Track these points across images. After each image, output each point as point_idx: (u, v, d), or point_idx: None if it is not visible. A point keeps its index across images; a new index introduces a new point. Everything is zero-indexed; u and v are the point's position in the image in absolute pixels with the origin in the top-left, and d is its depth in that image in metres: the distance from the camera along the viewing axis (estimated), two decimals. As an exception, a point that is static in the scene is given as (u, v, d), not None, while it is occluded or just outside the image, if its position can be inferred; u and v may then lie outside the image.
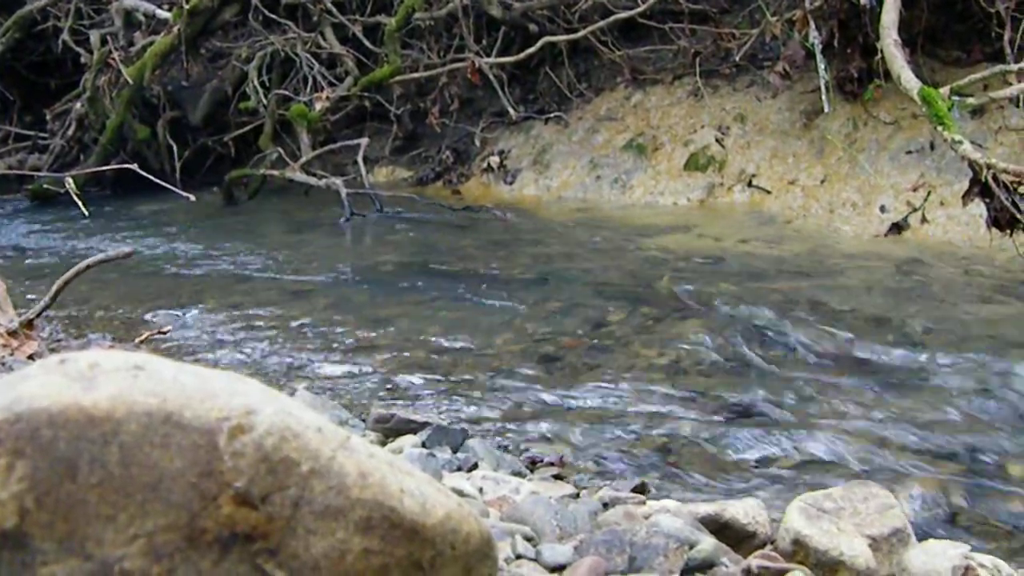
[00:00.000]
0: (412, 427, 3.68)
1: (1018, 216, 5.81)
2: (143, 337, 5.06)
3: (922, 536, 2.69)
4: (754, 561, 2.36)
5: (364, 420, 3.87)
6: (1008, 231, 5.92)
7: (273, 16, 10.51)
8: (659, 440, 3.90)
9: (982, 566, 2.40)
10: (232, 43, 11.14)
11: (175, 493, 1.34)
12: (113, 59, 10.14)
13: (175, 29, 10.12)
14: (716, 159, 8.78)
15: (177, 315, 5.77)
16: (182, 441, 1.35)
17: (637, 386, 4.47)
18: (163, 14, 10.38)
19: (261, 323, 5.59)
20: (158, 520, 1.33)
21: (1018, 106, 7.40)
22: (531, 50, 9.72)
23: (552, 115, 10.02)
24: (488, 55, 9.97)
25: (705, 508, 2.68)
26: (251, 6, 10.45)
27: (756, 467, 3.69)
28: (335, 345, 5.18)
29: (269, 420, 1.38)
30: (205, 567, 1.34)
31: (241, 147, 10.74)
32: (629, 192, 8.94)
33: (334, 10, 10.45)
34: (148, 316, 5.76)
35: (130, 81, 10.01)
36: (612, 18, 9.57)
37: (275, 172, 9.43)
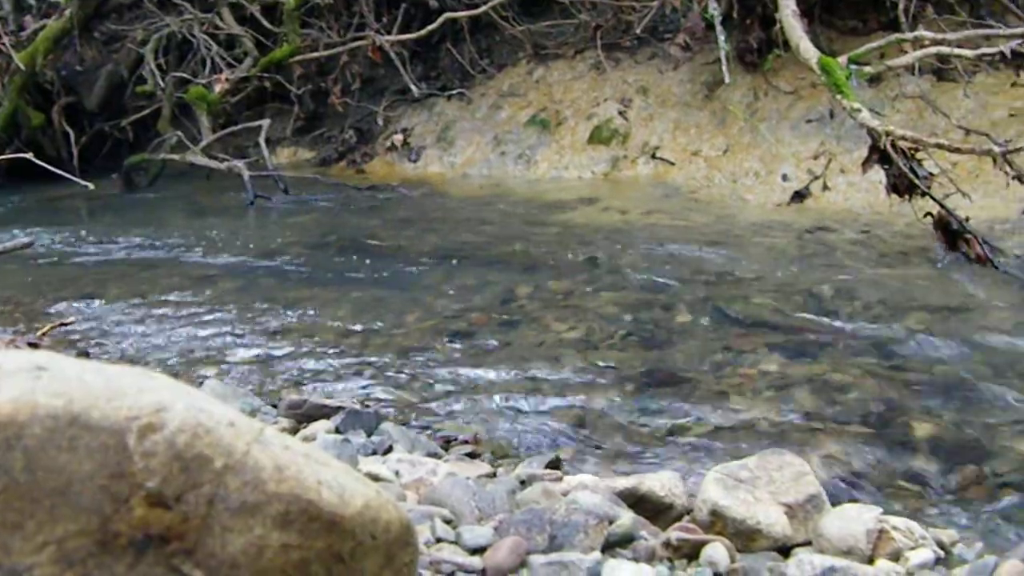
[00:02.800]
0: (325, 412, 3.64)
1: (916, 182, 5.91)
2: (45, 329, 4.94)
3: (836, 501, 2.73)
4: (673, 533, 2.37)
5: (276, 407, 3.82)
6: (906, 196, 6.02)
7: (168, -3, 10.33)
8: (573, 413, 3.90)
9: (895, 528, 2.44)
10: (127, 25, 10.92)
11: (85, 497, 1.29)
12: (3, 44, 9.87)
13: (67, 12, 9.88)
14: (619, 132, 8.80)
15: (80, 306, 5.64)
16: (90, 443, 1.30)
17: (549, 360, 4.47)
18: (54, -3, 10.14)
19: (167, 311, 5.49)
20: (68, 526, 1.28)
21: (914, 74, 7.52)
22: (432, 27, 9.65)
23: (455, 92, 9.98)
24: (389, 33, 9.89)
25: (622, 482, 2.69)
26: (145, -13, 10.26)
27: (671, 437, 3.71)
28: (243, 331, 5.10)
29: (180, 417, 1.34)
30: (119, 572, 1.30)
31: (140, 132, 10.54)
32: (534, 167, 8.94)
33: (231, -11, 10.29)
34: (50, 308, 5.63)
35: (22, 67, 9.76)
36: (512, -7, 9.55)
37: (175, 156, 9.28)
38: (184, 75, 10.06)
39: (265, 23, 10.16)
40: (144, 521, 1.32)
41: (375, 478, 2.66)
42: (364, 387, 4.25)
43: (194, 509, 1.35)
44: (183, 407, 1.37)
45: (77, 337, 5.06)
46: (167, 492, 1.33)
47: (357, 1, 10.06)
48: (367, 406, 3.82)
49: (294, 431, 3.49)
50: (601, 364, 4.41)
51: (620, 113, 8.92)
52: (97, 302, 5.70)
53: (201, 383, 4.11)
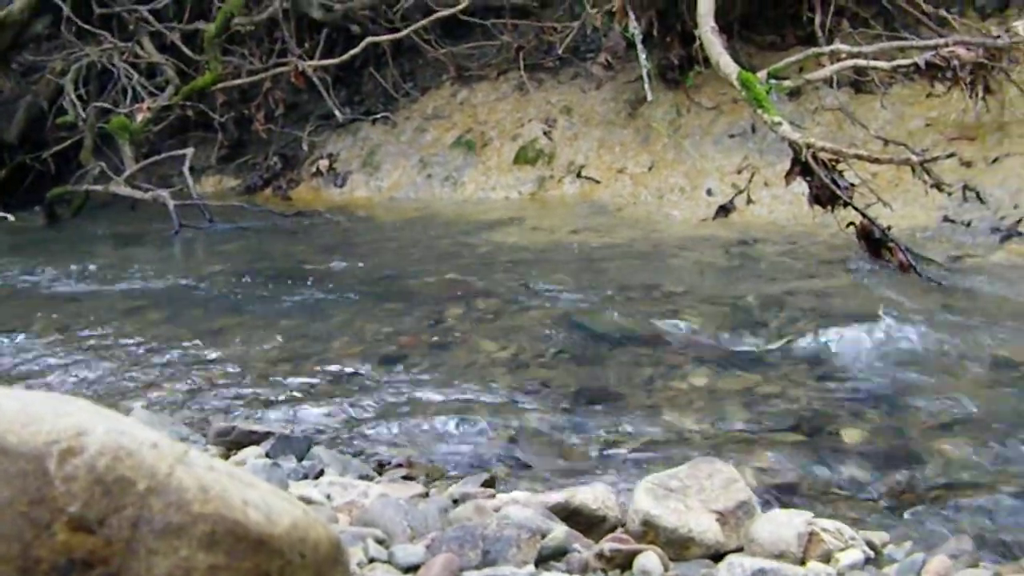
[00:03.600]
0: (254, 438, 3.61)
1: (838, 192, 5.99)
2: (-33, 365, 4.85)
3: (767, 507, 2.75)
4: (606, 545, 2.37)
5: (205, 435, 3.78)
6: (828, 207, 6.10)
7: (87, 27, 10.21)
8: (506, 433, 3.89)
9: (825, 531, 2.46)
10: (45, 56, 10.80)
11: (4, 523, 1.27)
12: (-82, 79, 9.74)
13: (-18, 45, 9.76)
14: (545, 152, 8.84)
15: (2, 340, 5.55)
16: (9, 468, 1.28)
17: (480, 381, 4.46)
18: (-31, 30, 10.00)
19: (93, 343, 5.42)
20: (-12, 553, 1.26)
21: (832, 86, 7.63)
22: (354, 51, 9.65)
23: (379, 116, 9.98)
24: (311, 58, 9.86)
25: (555, 496, 2.69)
26: (63, 17, 10.13)
27: (603, 452, 3.72)
28: (171, 362, 5.04)
29: (101, 440, 1.33)
30: (42, 598, 1.28)
31: (61, 163, 10.40)
32: (461, 189, 8.95)
33: (151, 18, 10.22)
34: (-29, 343, 5.54)
35: (-62, 101, 9.62)
36: (434, 16, 9.57)
37: (98, 187, 9.18)
38: (105, 105, 9.96)
39: (186, 51, 10.10)
40: (67, 546, 1.30)
41: (307, 501, 2.64)
42: (295, 413, 4.21)
43: (118, 532, 1.33)
44: (103, 430, 1.35)
45: (0, 372, 4.99)
46: (89, 516, 1.31)
47: (278, 27, 10.02)
48: (298, 432, 3.79)
49: (224, 458, 3.45)
50: (533, 383, 4.42)
51: (545, 133, 8.96)
52: (20, 336, 5.62)
53: (128, 413, 4.06)
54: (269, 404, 4.35)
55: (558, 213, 8.05)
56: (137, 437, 1.38)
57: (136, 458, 1.35)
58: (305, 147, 10.07)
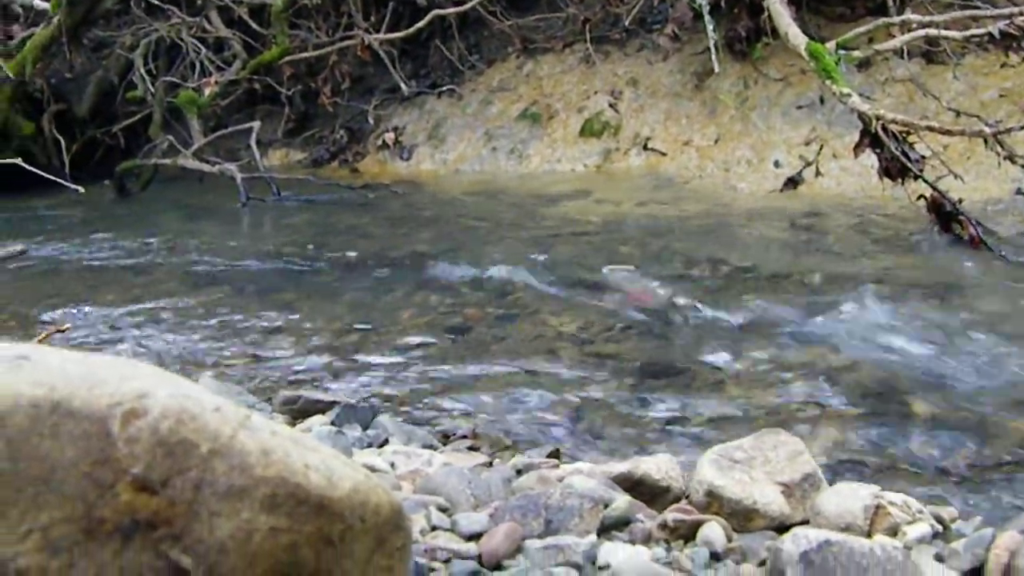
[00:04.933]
0: (320, 407, 3.63)
1: (908, 165, 5.90)
2: (41, 337, 4.92)
3: (833, 479, 2.72)
4: (669, 515, 2.36)
5: (271, 404, 3.81)
6: (899, 180, 6.02)
7: (156, 2, 10.28)
8: (571, 406, 3.89)
9: (892, 504, 2.43)
10: (115, 31, 10.89)
11: (69, 484, 1.28)
12: (-9, 54, 9.86)
13: (55, 20, 9.85)
14: (611, 124, 8.80)
15: (75, 312, 5.62)
16: (73, 430, 1.29)
17: (546, 354, 4.46)
18: (41, 4, 10.09)
19: (162, 315, 5.48)
20: (53, 513, 1.27)
21: (903, 57, 7.52)
22: (420, 24, 9.63)
23: (445, 89, 9.97)
24: (377, 31, 9.86)
25: (618, 467, 2.68)
26: (133, -7, 10.24)
27: (668, 426, 3.70)
28: (239, 332, 5.09)
29: (163, 403, 1.34)
30: (106, 558, 1.29)
31: (131, 138, 10.50)
32: (526, 161, 8.93)
33: (218, -7, 10.28)
34: (45, 315, 5.62)
35: (11, 76, 9.74)
36: (500, -12, 9.54)
37: (167, 161, 9.24)
38: (174, 79, 10.03)
39: (253, 25, 10.14)
40: (130, 507, 1.31)
41: (371, 469, 2.65)
42: (360, 384, 4.24)
43: (180, 494, 1.34)
44: (166, 394, 1.36)
45: (74, 344, 5.05)
46: (152, 477, 1.32)
47: (345, 1, 10.04)
48: (363, 402, 3.81)
49: (291, 426, 3.48)
50: (599, 357, 4.41)
51: (611, 105, 8.92)
52: (92, 308, 5.69)
53: (196, 381, 4.10)
54: (335, 374, 4.38)
55: (624, 186, 8.01)
56: (200, 401, 1.39)
57: (199, 421, 1.36)
58: (371, 120, 10.10)
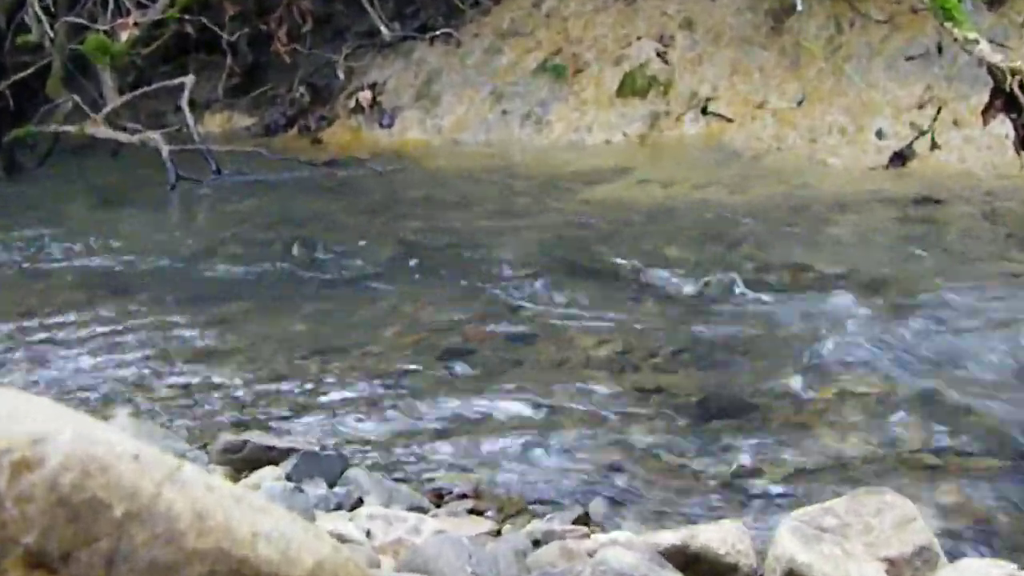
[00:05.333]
0: (272, 456, 3.63)
1: (1055, 134, 5.90)
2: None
3: (955, 554, 2.72)
4: (737, 602, 2.36)
5: (208, 451, 3.82)
6: (1042, 154, 6.02)
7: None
8: (605, 455, 3.89)
9: (1034, 588, 2.43)
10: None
11: (-61, 558, 1.29)
12: None
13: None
14: (659, 80, 8.80)
15: (-56, 329, 5.65)
16: (-55, 486, 1.30)
17: (572, 385, 4.46)
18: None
19: (64, 333, 5.49)
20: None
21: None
22: (406, -54, 9.66)
23: (439, 33, 9.97)
24: (350, -45, 9.90)
25: (669, 537, 2.68)
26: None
27: (735, 481, 3.71)
28: (166, 356, 5.10)
29: (66, 449, 1.34)
30: (-12, 658, 1.30)
31: (22, 97, 10.52)
32: (546, 130, 8.94)
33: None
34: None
35: None
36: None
37: (70, 128, 9.27)
38: (79, 20, 10.04)
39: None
40: (21, 589, 1.32)
41: (340, 539, 2.66)
42: (326, 425, 4.24)
43: (88, 571, 1.34)
44: (69, 437, 1.36)
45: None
46: (51, 549, 1.32)
47: (307, -84, 10.07)
48: (330, 449, 3.82)
49: (233, 480, 3.49)
50: (643, 390, 4.41)
51: (659, 55, 8.93)
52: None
53: (108, 420, 4.11)
54: (293, 412, 4.39)
55: (676, 162, 8.02)
56: (114, 447, 1.39)
57: (112, 474, 1.36)
58: (341, 75, 10.10)
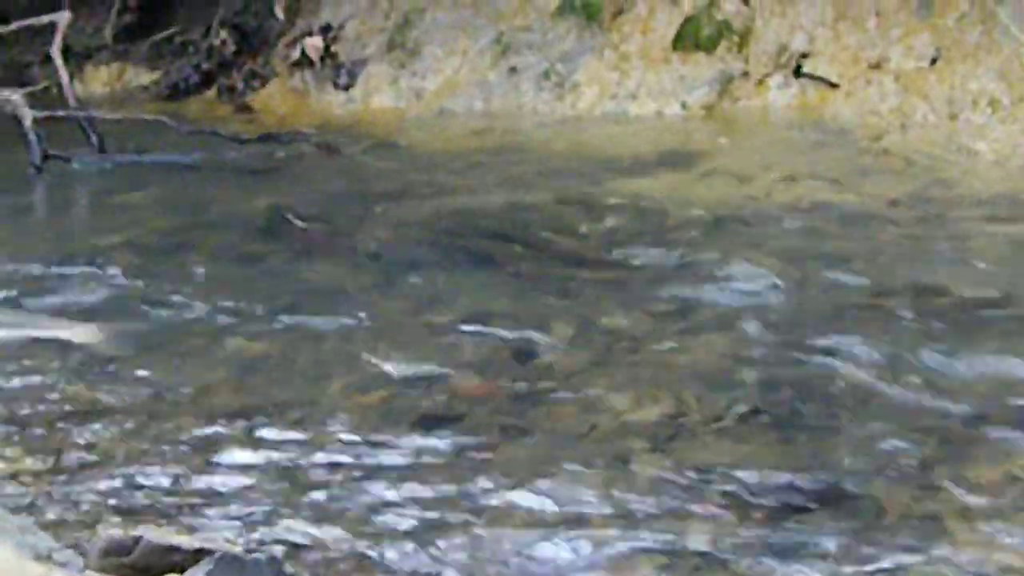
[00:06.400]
0: (175, 560, 3.65)
1: None
2: None
3: None
4: None
5: (83, 552, 3.83)
6: None
7: None
8: (650, 564, 3.91)
9: None
10: None
11: None
12: None
13: None
14: (733, 28, 8.83)
15: None
16: None
17: (603, 463, 4.48)
18: None
19: None
20: None
21: None
22: None
23: (420, -47, 10.04)
24: None
25: None
26: None
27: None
28: (28, 413, 5.12)
29: None
30: None
31: None
32: (572, 96, 8.97)
33: None
34: None
35: None
36: None
37: None
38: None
39: None
40: None
41: None
42: (252, 514, 4.26)
43: None
44: None
45: None
46: None
47: None
48: (256, 550, 3.84)
49: (117, 596, 3.51)
50: (699, 470, 4.42)
51: (734, -8, 8.99)
52: None
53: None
54: (205, 496, 4.40)
55: (756, 145, 8.06)
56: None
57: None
58: (279, 13, 10.14)
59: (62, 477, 4.59)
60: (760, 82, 8.61)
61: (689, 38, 8.91)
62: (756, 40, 8.78)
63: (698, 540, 4.00)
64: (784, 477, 4.36)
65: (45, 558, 3.75)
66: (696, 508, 4.20)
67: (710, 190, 7.37)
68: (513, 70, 9.22)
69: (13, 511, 4.20)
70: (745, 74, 8.68)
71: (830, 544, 3.95)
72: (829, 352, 5.23)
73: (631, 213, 7.06)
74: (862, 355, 5.18)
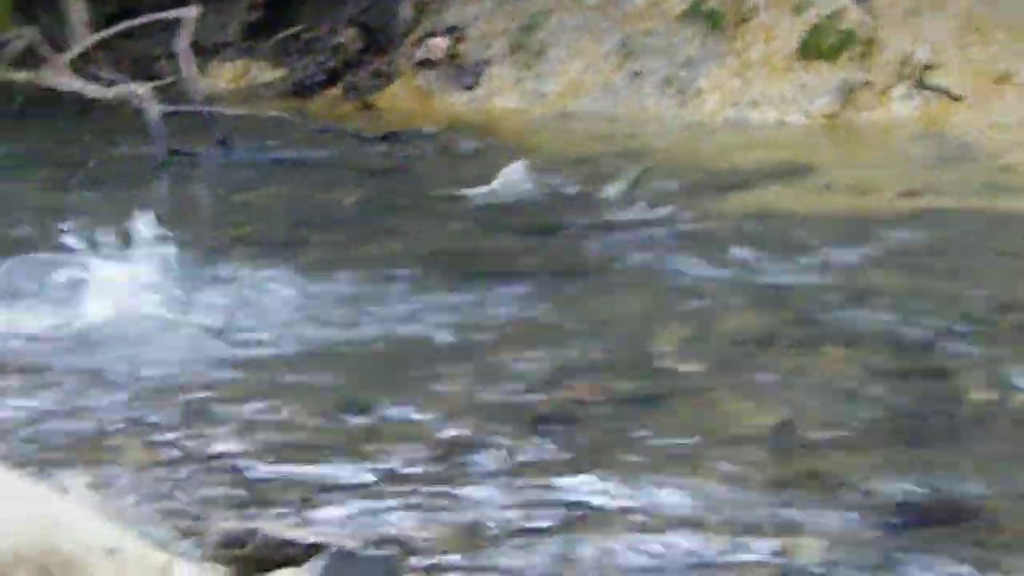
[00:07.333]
0: (289, 554, 3.66)
1: None
2: None
3: None
4: None
5: (200, 543, 3.85)
6: None
7: None
8: (770, 570, 3.89)
9: None
10: None
11: None
12: None
13: None
14: (857, 36, 8.80)
15: None
16: None
17: (725, 469, 4.46)
18: None
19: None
20: None
21: None
22: None
23: (547, -44, 10.04)
24: None
25: None
26: None
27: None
28: (140, 401, 5.15)
29: (20, 534, 1.36)
30: None
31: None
32: (694, 102, 8.94)
33: None
34: None
35: None
36: None
37: (22, 74, 9.37)
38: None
39: None
40: None
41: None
42: (366, 510, 4.27)
43: None
44: (24, 518, 1.39)
45: None
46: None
47: None
48: (370, 544, 3.84)
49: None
50: (818, 479, 4.40)
51: (859, 1, 8.92)
52: None
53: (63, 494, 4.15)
54: (321, 491, 4.41)
55: (877, 157, 8.02)
56: (84, 536, 1.43)
57: (78, 571, 1.39)
58: (405, 11, 10.16)
59: (177, 467, 4.61)
60: (883, 93, 8.58)
61: (812, 47, 8.89)
62: (880, 50, 8.74)
63: (811, 552, 3.98)
64: (903, 491, 4.33)
65: (164, 547, 3.77)
66: (810, 519, 4.18)
67: (827, 201, 7.35)
68: (636, 74, 9.21)
69: (133, 503, 4.23)
70: (868, 84, 8.65)
71: (947, 562, 3.92)
72: (954, 367, 5.20)
73: (747, 218, 7.05)
74: (988, 371, 5.15)
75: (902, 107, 8.49)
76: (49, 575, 1.36)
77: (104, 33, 9.67)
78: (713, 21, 9.25)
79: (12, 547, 1.37)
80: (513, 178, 7.54)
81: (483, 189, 7.62)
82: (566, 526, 4.18)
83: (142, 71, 9.64)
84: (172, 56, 9.39)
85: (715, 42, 9.17)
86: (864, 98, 8.59)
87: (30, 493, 1.46)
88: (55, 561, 1.36)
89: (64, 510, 1.48)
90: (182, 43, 9.15)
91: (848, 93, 8.65)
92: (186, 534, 3.98)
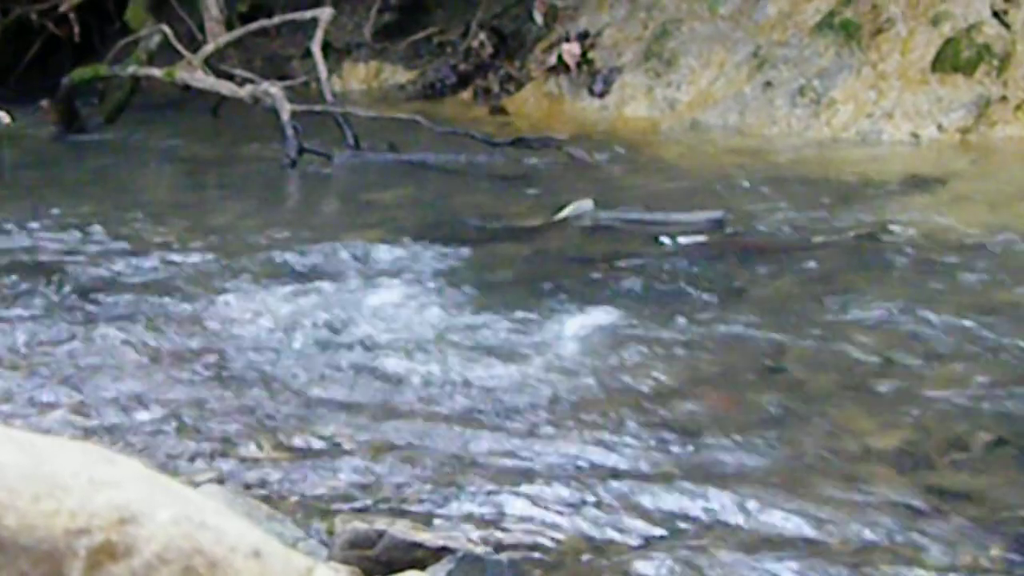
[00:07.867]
0: (418, 556, 3.66)
1: None
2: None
3: None
4: None
5: (327, 541, 3.86)
6: None
7: None
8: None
9: None
10: None
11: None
12: None
13: None
14: (993, 51, 8.73)
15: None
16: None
17: (841, 487, 4.44)
18: None
19: (129, 360, 5.58)
20: None
21: None
22: None
23: (680, -36, 10.01)
24: None
25: None
26: None
27: None
28: (269, 401, 5.17)
29: (164, 535, 1.36)
30: None
31: (92, 26, 10.70)
32: (827, 114, 8.90)
33: None
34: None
35: None
36: None
37: (155, 71, 9.41)
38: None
39: None
40: None
41: None
42: (491, 512, 4.27)
43: None
44: (169, 517, 1.39)
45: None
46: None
47: None
48: (497, 549, 3.84)
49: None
50: (940, 497, 4.37)
51: (996, 14, 8.86)
52: (4, 340, 5.82)
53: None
54: (444, 492, 4.41)
55: (1011, 172, 7.95)
56: (227, 536, 1.42)
57: (224, 572, 1.39)
58: (539, 18, 10.15)
59: (303, 465, 4.63)
60: (1018, 107, 8.51)
61: (948, 60, 8.83)
62: (1016, 65, 8.68)
63: (931, 571, 3.96)
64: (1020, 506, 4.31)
65: (291, 546, 3.78)
66: (932, 537, 4.15)
67: (960, 215, 7.28)
68: (768, 85, 9.18)
69: (261, 500, 4.24)
70: (1003, 99, 8.58)
71: None
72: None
73: (875, 233, 7.01)
74: None
75: (1038, 123, 8.43)
76: (195, 571, 1.36)
77: (240, 31, 9.70)
78: (848, 32, 9.20)
79: (160, 543, 1.37)
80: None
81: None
82: (691, 537, 4.17)
83: (275, 70, 9.68)
84: (306, 56, 9.42)
85: (849, 53, 9.12)
86: (999, 112, 8.53)
87: (175, 492, 1.46)
88: (200, 563, 1.36)
89: (204, 506, 1.48)
90: (316, 43, 9.16)
91: (983, 107, 8.59)
92: (311, 534, 4.00)
